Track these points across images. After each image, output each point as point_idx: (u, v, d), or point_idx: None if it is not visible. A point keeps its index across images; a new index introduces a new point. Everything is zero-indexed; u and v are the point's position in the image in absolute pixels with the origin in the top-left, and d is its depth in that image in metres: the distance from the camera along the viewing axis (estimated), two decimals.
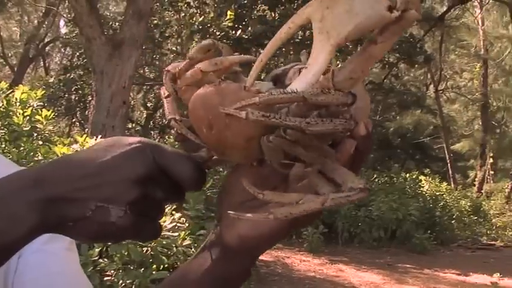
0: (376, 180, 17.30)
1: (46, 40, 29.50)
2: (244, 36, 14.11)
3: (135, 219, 0.73)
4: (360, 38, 0.69)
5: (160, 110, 24.97)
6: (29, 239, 0.72)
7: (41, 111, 7.34)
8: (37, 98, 7.51)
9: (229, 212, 0.76)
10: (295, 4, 14.79)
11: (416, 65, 19.68)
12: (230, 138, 0.74)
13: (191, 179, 0.77)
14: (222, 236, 0.86)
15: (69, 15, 21.90)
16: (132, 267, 5.27)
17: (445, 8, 22.53)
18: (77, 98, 23.09)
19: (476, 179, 27.98)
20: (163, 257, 5.33)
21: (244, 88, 0.74)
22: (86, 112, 19.10)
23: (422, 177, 21.29)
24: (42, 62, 32.11)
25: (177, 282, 0.94)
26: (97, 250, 5.19)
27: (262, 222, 0.78)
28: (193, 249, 5.54)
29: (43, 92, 7.92)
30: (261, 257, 7.43)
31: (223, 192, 0.89)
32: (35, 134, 7.29)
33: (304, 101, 0.67)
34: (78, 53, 22.03)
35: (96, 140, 6.18)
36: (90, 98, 16.19)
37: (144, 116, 25.71)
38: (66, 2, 13.77)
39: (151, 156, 0.76)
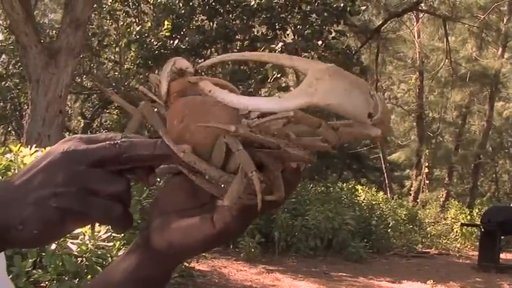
0: (313, 189, 17.42)
1: None
2: (181, 46, 14.08)
3: (74, 196, 0.76)
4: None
5: (98, 119, 24.77)
6: None
7: None
8: None
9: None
10: (233, 15, 14.84)
11: None
12: (193, 130, 0.80)
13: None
14: (150, 240, 0.88)
15: (5, 22, 21.53)
16: (66, 278, 5.23)
17: (381, 21, 22.88)
18: (12, 107, 22.71)
19: (412, 189, 28.39)
20: (98, 267, 5.29)
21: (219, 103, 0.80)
22: (22, 121, 18.82)
23: (359, 187, 21.55)
24: None
25: (101, 285, 0.96)
26: (30, 261, 5.13)
27: (196, 230, 0.82)
28: None
29: None
30: (197, 267, 7.39)
31: (157, 200, 0.92)
32: None
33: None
34: (14, 61, 21.64)
35: (30, 149, 6.12)
36: (26, 107, 15.95)
37: (82, 125, 25.41)
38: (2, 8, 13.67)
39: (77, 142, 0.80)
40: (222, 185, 0.81)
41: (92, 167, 0.77)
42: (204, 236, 0.82)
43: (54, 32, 18.54)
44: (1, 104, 22.19)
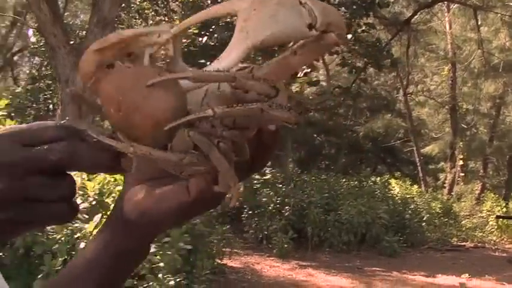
0: (346, 184, 17.37)
1: (14, 49, 29.31)
2: (210, 43, 14.09)
3: (15, 207, 0.75)
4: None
5: None
6: None
7: (5, 121, 7.31)
8: (0, 108, 7.47)
9: None
10: None
11: (384, 69, 19.79)
12: (138, 120, 0.72)
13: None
14: (122, 211, 0.85)
15: (36, 24, 21.77)
16: None
17: (411, 12, 22.68)
18: (46, 108, 22.95)
19: (447, 181, 28.15)
20: None
21: (159, 74, 0.71)
22: None
23: (392, 181, 21.44)
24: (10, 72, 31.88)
25: (81, 263, 0.92)
26: (60, 260, 5.17)
27: (170, 197, 0.79)
28: None
29: (7, 102, 7.85)
30: (229, 264, 7.40)
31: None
32: None
33: (234, 80, 0.68)
34: (46, 62, 21.86)
35: None
36: (58, 108, 16.11)
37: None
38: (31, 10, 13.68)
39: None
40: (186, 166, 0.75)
41: (30, 175, 0.75)
42: (178, 204, 0.78)
43: (84, 32, 18.69)
44: (34, 105, 22.41)
